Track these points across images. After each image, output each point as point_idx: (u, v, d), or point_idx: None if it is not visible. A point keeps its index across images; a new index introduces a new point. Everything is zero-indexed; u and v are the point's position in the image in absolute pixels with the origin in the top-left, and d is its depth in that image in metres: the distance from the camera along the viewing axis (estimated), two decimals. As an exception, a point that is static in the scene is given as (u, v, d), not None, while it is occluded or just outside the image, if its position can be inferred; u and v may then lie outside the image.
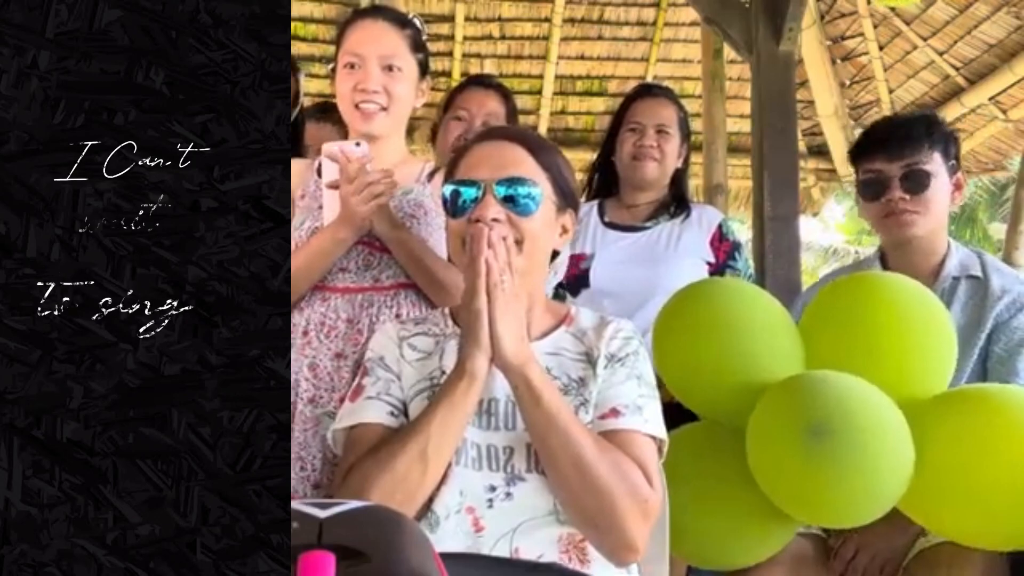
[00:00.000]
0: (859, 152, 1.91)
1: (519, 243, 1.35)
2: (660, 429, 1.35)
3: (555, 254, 1.46)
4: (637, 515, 1.25)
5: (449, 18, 5.31)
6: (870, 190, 1.87)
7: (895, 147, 1.83)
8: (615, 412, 1.33)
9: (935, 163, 1.84)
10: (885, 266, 1.93)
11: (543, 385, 1.27)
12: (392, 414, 1.35)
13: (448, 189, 1.39)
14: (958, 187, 1.89)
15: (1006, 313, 1.78)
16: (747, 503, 1.58)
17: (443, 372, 1.36)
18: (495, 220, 1.33)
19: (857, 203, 1.99)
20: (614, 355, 1.38)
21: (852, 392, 1.49)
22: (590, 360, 1.38)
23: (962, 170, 1.92)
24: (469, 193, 1.36)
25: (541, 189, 1.37)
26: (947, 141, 1.87)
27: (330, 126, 2.53)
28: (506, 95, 2.39)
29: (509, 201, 1.35)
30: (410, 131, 5.28)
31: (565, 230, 1.44)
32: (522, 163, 1.38)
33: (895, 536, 1.70)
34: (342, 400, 1.50)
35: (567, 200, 1.43)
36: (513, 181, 1.36)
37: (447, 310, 1.49)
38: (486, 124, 2.24)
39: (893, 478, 1.47)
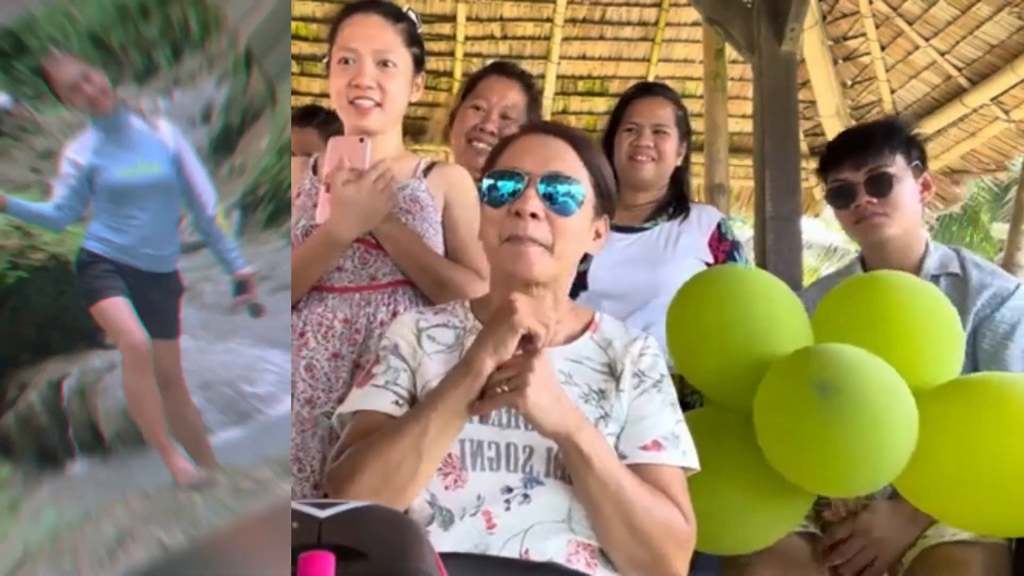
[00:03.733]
0: (825, 164, 1.99)
1: (551, 246, 1.35)
2: (694, 458, 1.37)
3: (584, 257, 1.46)
4: (680, 554, 1.30)
5: (451, 18, 5.31)
6: (839, 198, 1.95)
7: (857, 154, 1.92)
8: (657, 445, 1.33)
9: (898, 166, 1.91)
10: (865, 270, 1.97)
11: (593, 448, 1.26)
12: (397, 403, 1.35)
13: (490, 178, 1.38)
14: (926, 187, 1.96)
15: (988, 308, 1.82)
16: (755, 485, 1.60)
17: None
18: (534, 216, 1.33)
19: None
20: (644, 374, 1.39)
21: (859, 357, 1.52)
22: (613, 373, 1.38)
23: (928, 170, 1.98)
24: (512, 184, 1.35)
25: (583, 188, 1.37)
26: (908, 144, 1.94)
27: (313, 131, 2.52)
28: (528, 84, 2.34)
29: (551, 197, 1.35)
30: (420, 131, 5.27)
31: (598, 235, 1.44)
32: (567, 159, 1.38)
33: (895, 527, 1.70)
34: (340, 401, 1.50)
35: (605, 203, 1.43)
36: (557, 177, 1.35)
37: (467, 303, 1.48)
38: (505, 115, 2.22)
39: (898, 441, 1.48)
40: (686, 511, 1.32)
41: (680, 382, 1.69)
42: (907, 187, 1.91)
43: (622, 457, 1.33)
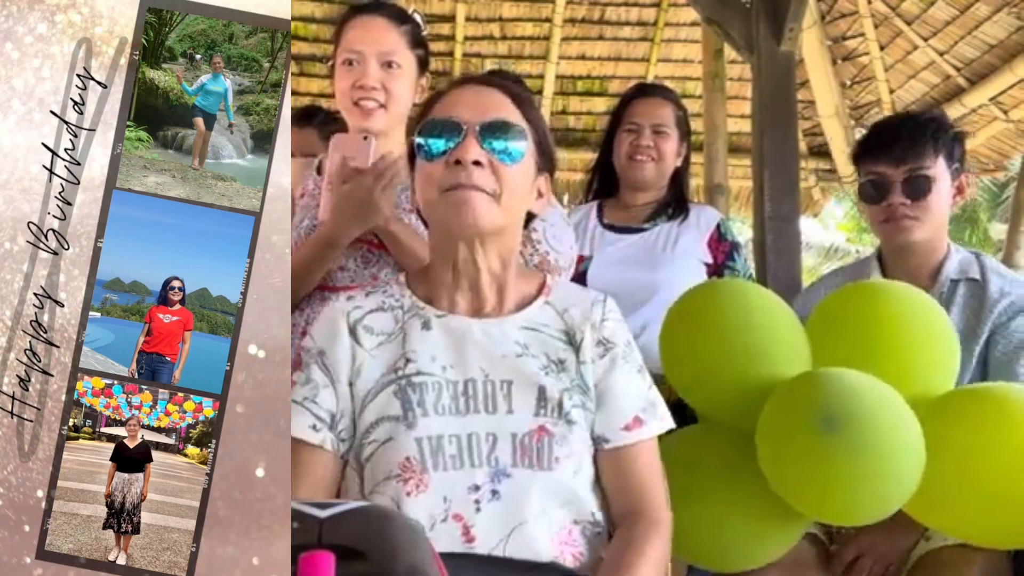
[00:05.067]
0: (862, 153, 1.88)
1: (497, 196, 1.26)
2: (669, 417, 1.34)
3: (529, 218, 1.37)
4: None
5: (450, 18, 5.32)
6: (871, 193, 1.84)
7: (898, 151, 1.80)
8: (639, 421, 1.30)
9: (939, 167, 1.80)
10: (883, 267, 1.92)
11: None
12: (314, 427, 1.26)
13: (424, 132, 1.28)
14: (960, 190, 1.86)
15: (1004, 316, 1.76)
16: (754, 506, 1.58)
17: (407, 360, 1.28)
18: (476, 164, 1.25)
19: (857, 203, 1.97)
20: (608, 340, 1.32)
21: (865, 386, 1.49)
22: (571, 341, 1.31)
23: (966, 171, 1.88)
24: (448, 136, 1.26)
25: (525, 139, 1.29)
26: (952, 143, 1.83)
27: (312, 131, 2.51)
28: (524, 90, 2.38)
29: (492, 146, 1.26)
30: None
31: (540, 194, 1.35)
32: (506, 109, 1.29)
33: (898, 539, 1.69)
34: None
35: (546, 159, 1.35)
36: (498, 125, 1.27)
37: (402, 277, 1.39)
38: None
39: (906, 472, 1.47)
40: (661, 500, 1.29)
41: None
42: (943, 190, 1.81)
43: (604, 441, 1.29)
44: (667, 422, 1.34)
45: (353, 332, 1.31)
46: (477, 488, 1.22)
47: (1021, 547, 1.59)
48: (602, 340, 1.32)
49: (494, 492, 1.22)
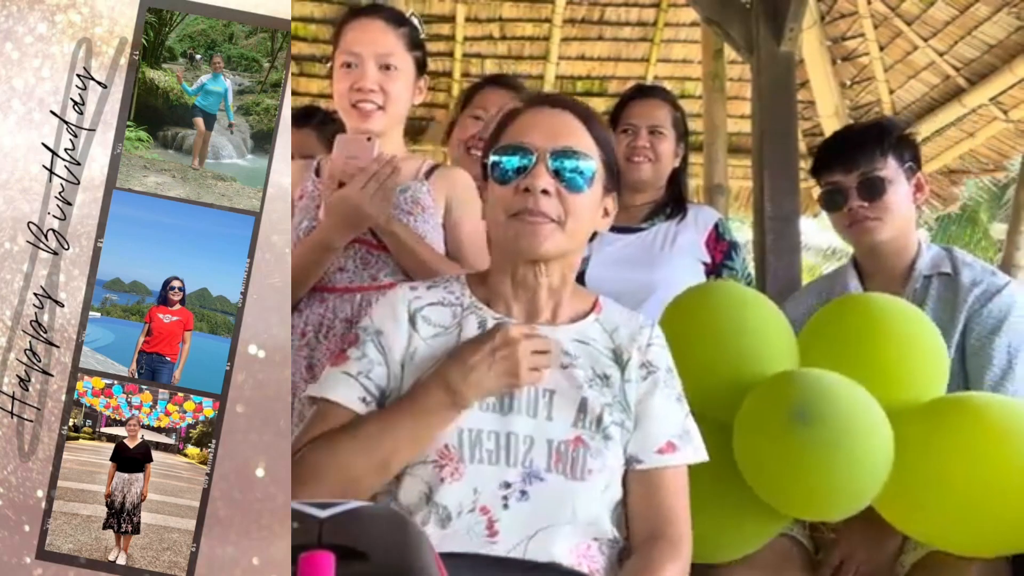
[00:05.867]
0: (818, 166, 1.97)
1: (562, 223, 1.30)
2: (703, 449, 1.35)
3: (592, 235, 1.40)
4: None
5: (450, 18, 5.32)
6: (831, 201, 1.93)
7: (849, 158, 1.90)
8: (672, 446, 1.32)
9: (890, 168, 1.89)
10: (859, 271, 1.98)
11: None
12: (364, 400, 1.30)
13: (497, 154, 1.33)
14: (919, 188, 1.94)
15: (977, 303, 1.82)
16: (730, 498, 1.59)
17: None
18: (544, 192, 1.29)
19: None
20: (652, 364, 1.36)
21: (839, 385, 1.53)
22: (618, 360, 1.35)
23: (922, 171, 1.97)
24: (519, 160, 1.30)
25: (594, 164, 1.32)
26: (901, 145, 1.92)
27: (311, 132, 2.51)
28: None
29: (560, 173, 1.30)
30: (420, 131, 5.26)
31: (606, 212, 1.39)
32: (577, 134, 1.33)
33: (879, 546, 1.70)
34: None
35: (614, 180, 1.38)
36: (568, 153, 1.30)
37: (463, 277, 1.43)
38: None
39: (875, 467, 1.49)
40: (685, 527, 1.30)
41: None
42: (900, 190, 1.90)
43: (636, 461, 1.31)
44: (701, 453, 1.35)
45: (412, 320, 1.35)
46: (508, 485, 1.25)
47: (993, 555, 1.60)
48: (646, 363, 1.36)
49: (523, 492, 1.25)
